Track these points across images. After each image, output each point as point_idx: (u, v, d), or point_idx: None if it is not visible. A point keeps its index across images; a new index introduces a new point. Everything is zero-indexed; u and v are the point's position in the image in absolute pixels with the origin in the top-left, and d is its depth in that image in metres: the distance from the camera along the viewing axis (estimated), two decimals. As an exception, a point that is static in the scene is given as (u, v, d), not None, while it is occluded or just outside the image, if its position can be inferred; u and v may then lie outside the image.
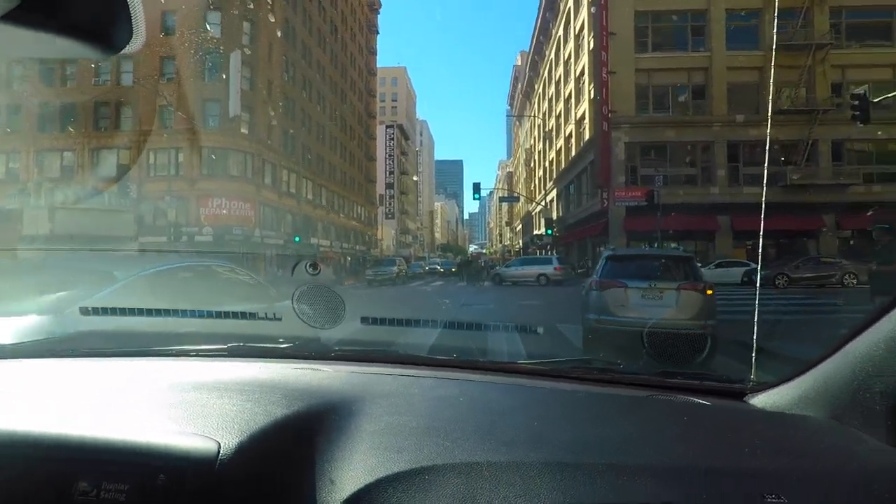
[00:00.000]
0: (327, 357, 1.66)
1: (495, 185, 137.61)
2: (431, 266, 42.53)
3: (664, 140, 28.85)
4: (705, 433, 1.15)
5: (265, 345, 1.81)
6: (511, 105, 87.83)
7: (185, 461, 0.88)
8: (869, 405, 1.02)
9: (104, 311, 2.76)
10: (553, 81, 46.08)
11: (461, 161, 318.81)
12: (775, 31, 30.65)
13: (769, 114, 21.12)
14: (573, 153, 37.15)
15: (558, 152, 44.18)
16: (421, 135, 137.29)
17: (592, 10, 29.95)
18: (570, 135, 38.55)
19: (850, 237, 27.53)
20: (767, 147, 24.39)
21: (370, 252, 60.99)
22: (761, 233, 2.34)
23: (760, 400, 1.27)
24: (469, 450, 0.96)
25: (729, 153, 28.19)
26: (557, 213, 44.02)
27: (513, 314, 12.27)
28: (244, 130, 35.08)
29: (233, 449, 0.90)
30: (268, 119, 37.62)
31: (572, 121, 37.81)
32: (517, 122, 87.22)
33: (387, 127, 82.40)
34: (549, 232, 37.41)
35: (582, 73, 34.88)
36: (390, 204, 79.54)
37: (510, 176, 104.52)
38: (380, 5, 75.19)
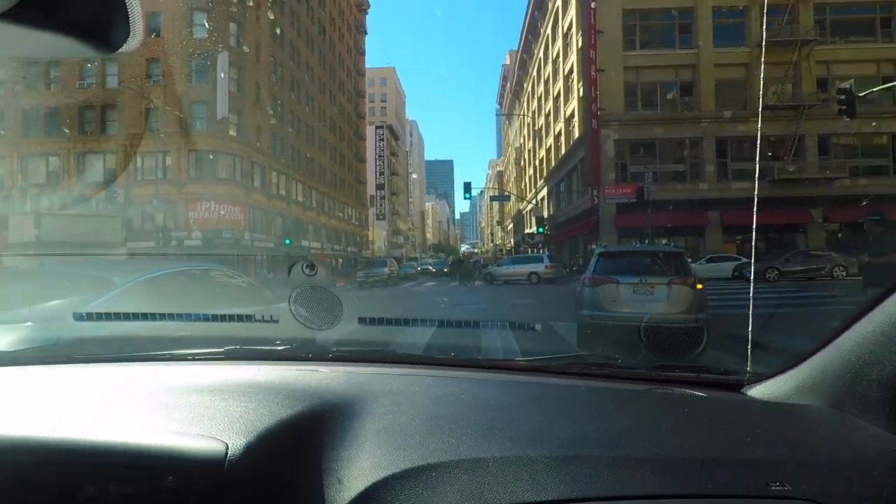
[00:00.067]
0: (326, 358, 1.66)
1: (486, 184, 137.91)
2: (423, 266, 42.43)
3: (653, 137, 29.06)
4: (705, 424, 1.16)
5: (263, 347, 1.81)
6: (500, 104, 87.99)
7: (193, 462, 0.88)
8: (866, 393, 1.04)
9: (103, 316, 2.76)
10: (542, 80, 46.19)
11: (451, 161, 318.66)
12: (764, 27, 30.94)
13: (760, 109, 21.24)
14: (563, 151, 37.27)
15: (548, 150, 44.29)
16: (411, 135, 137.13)
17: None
18: (560, 133, 38.67)
19: (838, 230, 27.92)
20: (759, 142, 24.62)
21: (361, 254, 60.74)
22: (754, 227, 2.36)
23: (758, 391, 1.27)
24: (474, 446, 0.96)
25: (717, 149, 28.46)
26: (548, 211, 44.13)
27: (505, 313, 12.27)
28: (232, 133, 34.77)
29: (240, 449, 0.90)
30: (256, 121, 37.32)
31: (562, 119, 37.93)
32: (507, 121, 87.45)
33: (376, 128, 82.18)
34: (541, 230, 37.51)
35: (571, 71, 34.99)
36: (381, 205, 79.28)
37: (501, 175, 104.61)
38: (368, 6, 74.99)
